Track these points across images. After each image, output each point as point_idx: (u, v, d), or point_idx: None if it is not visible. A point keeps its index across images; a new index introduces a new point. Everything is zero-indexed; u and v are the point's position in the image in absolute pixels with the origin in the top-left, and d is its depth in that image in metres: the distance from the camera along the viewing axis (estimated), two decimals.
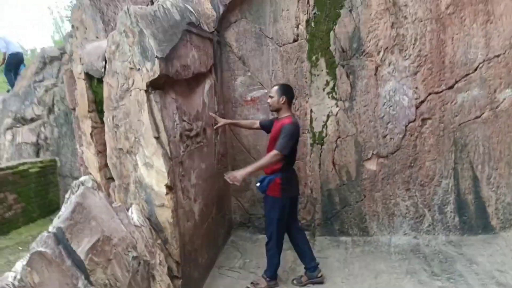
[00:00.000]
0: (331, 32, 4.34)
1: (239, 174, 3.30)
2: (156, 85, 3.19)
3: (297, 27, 4.46)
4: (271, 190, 3.60)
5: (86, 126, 3.50)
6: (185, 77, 3.61)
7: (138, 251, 2.66)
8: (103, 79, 3.36)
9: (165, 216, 3.10)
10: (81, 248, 2.20)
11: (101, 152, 3.51)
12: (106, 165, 3.49)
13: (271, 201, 3.62)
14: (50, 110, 7.50)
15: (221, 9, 4.52)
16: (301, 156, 4.59)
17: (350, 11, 4.27)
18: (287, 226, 3.69)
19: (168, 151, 3.17)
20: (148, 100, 3.11)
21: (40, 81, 7.87)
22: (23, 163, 6.69)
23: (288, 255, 4.11)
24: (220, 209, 4.43)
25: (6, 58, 9.20)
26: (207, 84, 4.22)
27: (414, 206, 4.29)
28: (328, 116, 4.47)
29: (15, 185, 6.29)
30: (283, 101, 3.55)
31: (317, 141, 4.51)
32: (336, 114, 4.43)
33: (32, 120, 7.54)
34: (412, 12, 4.09)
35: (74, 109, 3.79)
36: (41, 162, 7.01)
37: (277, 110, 3.62)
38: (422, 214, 4.26)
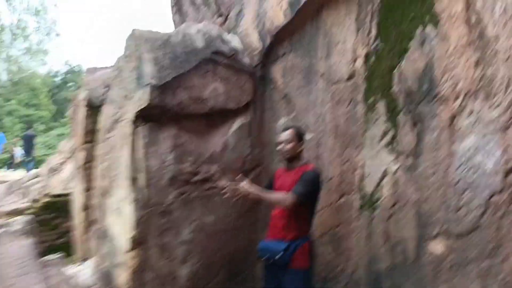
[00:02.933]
0: (395, 70, 3.45)
1: (254, 190, 2.75)
2: (148, 117, 2.71)
3: (354, 62, 3.67)
4: (300, 260, 2.85)
5: (80, 158, 3.14)
6: (198, 112, 3.08)
7: None
8: (102, 108, 3.00)
9: (122, 278, 2.50)
10: None
11: (92, 189, 3.09)
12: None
13: (301, 275, 2.83)
14: None
15: (268, 40, 3.97)
16: (345, 222, 3.66)
17: (422, 44, 3.36)
18: None
19: (145, 196, 2.60)
20: (134, 133, 2.64)
21: None
22: None
23: None
24: (235, 274, 3.66)
25: None
26: (237, 123, 3.64)
27: None
28: (384, 175, 3.50)
29: None
30: (301, 148, 3.14)
31: (367, 205, 3.55)
32: (395, 173, 3.44)
33: None
34: (506, 47, 3.01)
35: None
36: None
37: (293, 159, 3.13)
38: None
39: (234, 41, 3.83)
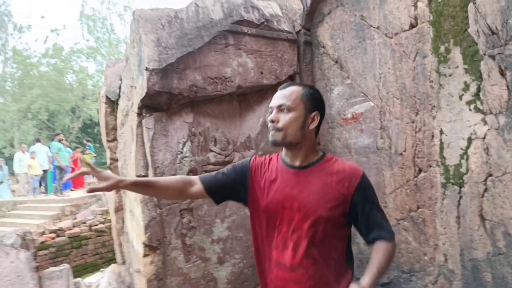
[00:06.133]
0: (470, 5, 2.68)
1: (366, 283, 1.49)
2: (154, 106, 2.35)
3: (415, 5, 2.96)
4: None
5: (107, 158, 2.91)
6: (220, 93, 2.65)
7: None
8: (119, 102, 2.71)
9: (141, 286, 2.20)
10: None
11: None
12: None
13: None
14: None
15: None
16: (427, 202, 3.00)
17: None
18: None
19: None
20: (139, 126, 2.30)
21: None
22: None
23: None
24: None
25: None
26: None
27: None
28: (470, 140, 2.77)
29: None
30: (314, 123, 1.65)
31: (452, 180, 2.86)
32: (484, 137, 2.70)
33: None
34: None
35: None
36: None
37: (294, 146, 1.63)
38: None
39: (270, 7, 3.31)
